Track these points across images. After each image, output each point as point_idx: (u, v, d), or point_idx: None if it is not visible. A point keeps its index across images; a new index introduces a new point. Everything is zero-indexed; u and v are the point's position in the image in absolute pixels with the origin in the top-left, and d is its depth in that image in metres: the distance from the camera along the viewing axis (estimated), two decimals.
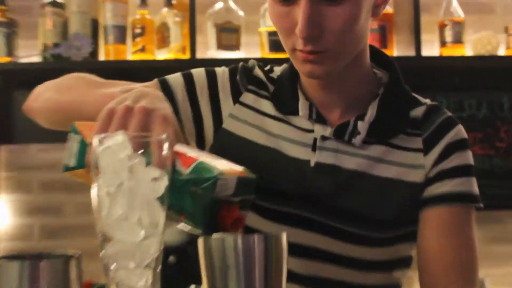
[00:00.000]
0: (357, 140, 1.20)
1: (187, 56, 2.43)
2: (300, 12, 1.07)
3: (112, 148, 0.67)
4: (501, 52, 2.63)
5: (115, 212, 0.66)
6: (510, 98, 2.74)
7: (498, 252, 2.57)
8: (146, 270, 0.67)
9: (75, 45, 2.40)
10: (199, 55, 2.44)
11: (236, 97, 1.29)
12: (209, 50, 2.49)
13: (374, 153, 1.21)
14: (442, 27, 2.57)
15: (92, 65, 2.44)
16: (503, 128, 2.73)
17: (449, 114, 1.28)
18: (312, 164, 1.20)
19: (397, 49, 2.58)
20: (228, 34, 2.45)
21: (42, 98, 1.29)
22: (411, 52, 2.47)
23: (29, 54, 2.47)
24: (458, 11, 2.57)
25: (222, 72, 1.33)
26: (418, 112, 1.26)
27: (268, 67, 1.35)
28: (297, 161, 1.21)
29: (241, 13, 2.50)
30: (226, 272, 0.72)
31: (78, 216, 2.62)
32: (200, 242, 0.74)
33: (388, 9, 2.55)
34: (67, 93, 1.25)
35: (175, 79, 1.30)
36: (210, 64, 2.38)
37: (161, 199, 0.69)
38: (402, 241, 1.24)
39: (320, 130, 1.22)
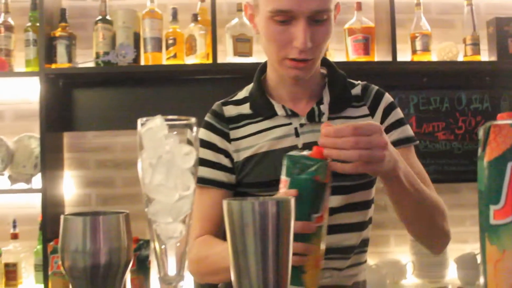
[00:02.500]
0: (324, 118, 1.29)
1: (210, 61, 2.42)
2: (299, 31, 1.15)
3: (153, 129, 0.67)
4: (460, 58, 2.61)
5: (156, 179, 0.67)
6: (467, 95, 2.73)
7: (455, 216, 2.57)
8: (180, 224, 0.68)
9: (121, 53, 2.40)
10: (220, 60, 2.43)
11: (228, 138, 1.34)
12: (227, 56, 2.48)
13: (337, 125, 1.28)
14: (413, 38, 2.56)
15: (134, 69, 2.45)
16: (461, 119, 2.73)
17: (377, 87, 1.39)
18: (300, 146, 1.28)
19: (377, 56, 2.56)
20: (243, 43, 2.45)
21: (196, 275, 1.35)
22: (388, 58, 2.46)
23: (85, 61, 2.48)
24: (426, 26, 2.56)
25: (205, 135, 1.35)
26: (357, 90, 1.37)
27: (231, 97, 1.42)
28: (288, 149, 1.26)
29: None
30: (244, 230, 0.72)
31: (125, 187, 2.64)
32: (224, 204, 0.74)
33: (370, 24, 2.54)
34: (203, 263, 1.27)
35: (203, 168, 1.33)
36: (227, 67, 2.40)
37: (191, 169, 0.69)
38: (362, 188, 1.31)
39: (296, 121, 1.30)
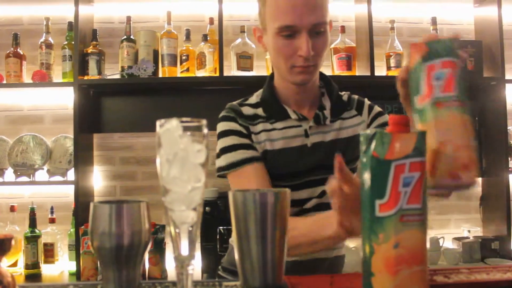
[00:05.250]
0: (327, 121, 1.29)
1: (217, 74, 2.41)
2: (302, 42, 1.16)
3: (170, 129, 0.65)
4: None
5: (172, 173, 0.65)
6: None
7: None
8: (192, 211, 0.66)
9: (142, 67, 2.39)
10: (225, 73, 2.42)
11: (248, 131, 1.28)
12: (232, 70, 2.46)
13: (337, 126, 1.30)
14: (388, 57, 2.55)
15: (153, 81, 2.43)
16: None
17: (357, 96, 1.40)
18: (309, 145, 1.27)
19: (358, 71, 2.55)
20: (245, 59, 2.43)
21: None
22: (367, 73, 2.44)
23: (112, 73, 2.47)
24: (399, 46, 2.56)
25: (228, 125, 1.29)
26: (344, 98, 1.37)
27: (243, 100, 1.36)
28: (299, 147, 1.27)
29: (253, 46, 2.47)
30: (247, 217, 0.70)
31: (145, 180, 2.62)
32: (230, 195, 0.72)
33: (352, 44, 2.53)
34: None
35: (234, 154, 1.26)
36: (232, 79, 2.38)
37: (202, 164, 0.67)
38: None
39: (305, 124, 1.29)
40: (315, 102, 1.33)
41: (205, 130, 0.68)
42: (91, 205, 0.70)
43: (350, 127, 1.31)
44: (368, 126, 1.32)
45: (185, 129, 0.66)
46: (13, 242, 0.73)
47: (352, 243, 2.60)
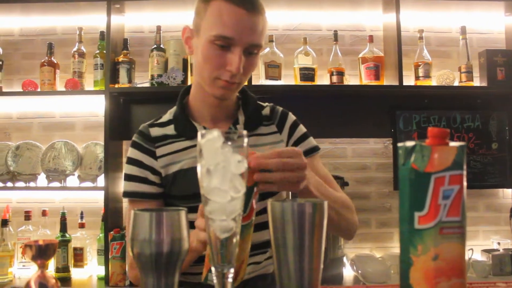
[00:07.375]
0: None
1: (246, 83, 2.41)
2: (235, 57, 1.13)
3: (211, 140, 0.67)
4: (456, 83, 2.57)
5: (213, 183, 0.66)
6: (461, 115, 2.68)
7: None
8: (232, 221, 0.67)
9: (172, 76, 2.42)
10: (254, 82, 2.43)
11: (154, 156, 1.27)
12: (260, 79, 2.48)
13: (252, 143, 1.26)
14: (416, 66, 2.53)
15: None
16: (455, 135, 2.67)
17: (282, 108, 1.36)
18: None
19: (386, 80, 2.53)
20: (273, 69, 2.44)
21: (135, 279, 1.26)
22: (395, 83, 2.43)
23: (142, 82, 2.51)
24: (427, 56, 2.53)
25: (132, 153, 1.29)
26: (266, 111, 1.35)
27: (156, 119, 1.35)
28: None
29: (281, 55, 2.48)
30: (285, 227, 0.71)
31: None
32: (268, 204, 0.73)
33: (380, 54, 2.52)
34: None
35: (129, 186, 1.27)
36: (260, 88, 2.39)
37: (241, 175, 0.68)
38: (276, 193, 1.26)
39: None
40: (232, 115, 1.29)
41: (246, 141, 0.70)
42: (132, 212, 0.72)
43: (266, 145, 1.26)
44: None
45: (226, 139, 0.67)
46: (56, 248, 0.75)
47: (378, 253, 2.57)
